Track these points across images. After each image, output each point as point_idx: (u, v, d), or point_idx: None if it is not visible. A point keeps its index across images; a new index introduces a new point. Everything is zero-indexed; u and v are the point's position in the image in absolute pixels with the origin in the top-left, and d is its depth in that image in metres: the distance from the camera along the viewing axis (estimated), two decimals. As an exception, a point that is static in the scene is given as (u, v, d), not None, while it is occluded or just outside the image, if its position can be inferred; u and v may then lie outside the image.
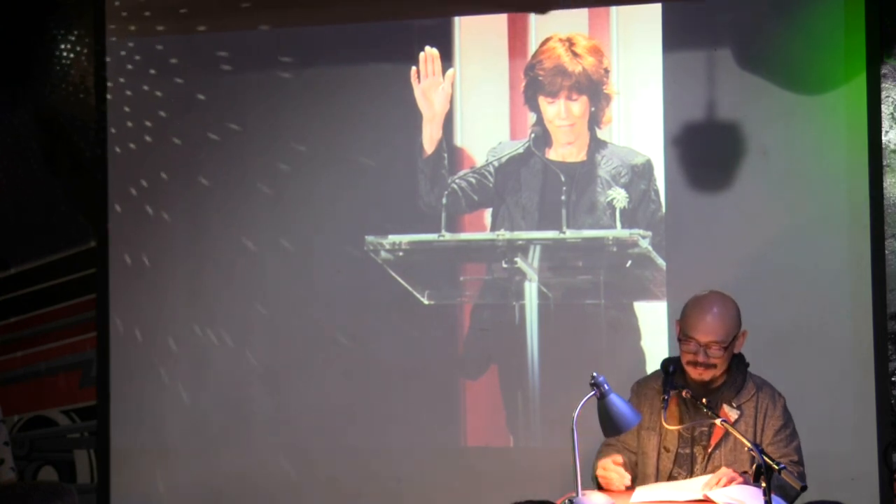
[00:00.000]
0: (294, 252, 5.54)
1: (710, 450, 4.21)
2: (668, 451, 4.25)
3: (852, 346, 5.12)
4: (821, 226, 5.15)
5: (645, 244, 5.30)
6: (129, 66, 5.68)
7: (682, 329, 4.22)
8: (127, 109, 5.68)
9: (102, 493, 5.68)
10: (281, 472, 5.52)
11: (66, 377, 5.74)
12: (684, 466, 4.23)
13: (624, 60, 5.33)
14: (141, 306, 5.66)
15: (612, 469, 4.16)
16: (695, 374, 4.19)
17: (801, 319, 5.14)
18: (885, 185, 5.14)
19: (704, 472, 4.18)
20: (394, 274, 5.47)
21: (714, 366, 4.17)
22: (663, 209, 5.28)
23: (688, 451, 4.24)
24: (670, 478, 4.24)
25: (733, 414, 4.21)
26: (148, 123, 5.66)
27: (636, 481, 4.31)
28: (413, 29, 5.48)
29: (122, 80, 5.69)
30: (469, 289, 5.42)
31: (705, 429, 4.23)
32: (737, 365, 4.29)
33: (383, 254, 5.50)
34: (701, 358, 4.15)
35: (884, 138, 5.15)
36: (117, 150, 5.69)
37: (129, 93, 5.68)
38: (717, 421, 4.09)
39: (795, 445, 4.24)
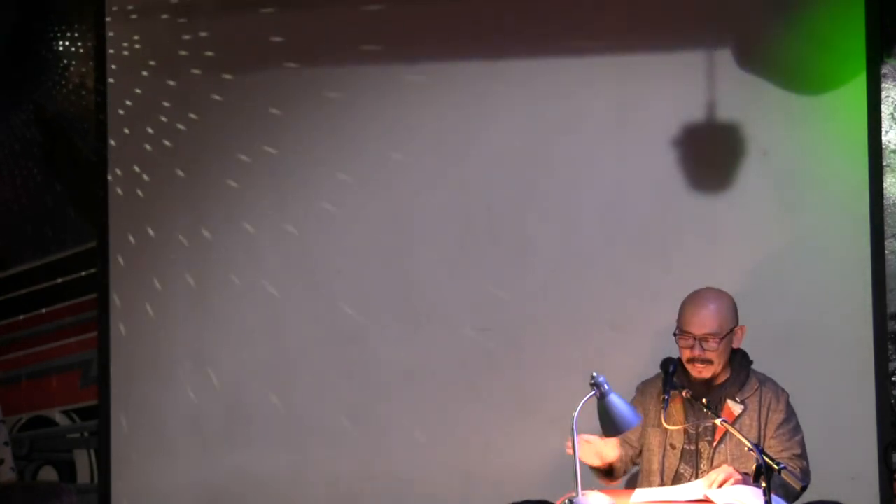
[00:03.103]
0: (295, 252, 5.54)
1: (715, 444, 4.23)
2: (673, 447, 4.28)
3: (852, 346, 5.12)
4: (821, 226, 5.16)
5: (645, 244, 5.30)
6: (130, 66, 5.68)
7: (678, 325, 4.26)
8: (127, 109, 5.68)
9: (102, 493, 5.68)
10: (281, 472, 5.52)
11: (66, 377, 5.74)
12: (690, 463, 4.26)
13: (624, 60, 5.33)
14: (141, 306, 5.66)
15: (592, 442, 4.15)
16: (694, 371, 4.22)
17: (801, 319, 5.15)
18: (885, 185, 5.15)
19: (711, 467, 4.21)
20: (394, 273, 5.47)
21: (710, 361, 4.20)
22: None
23: (693, 447, 4.27)
24: (676, 475, 4.26)
25: (737, 409, 4.24)
26: (148, 123, 5.66)
27: (640, 478, 4.33)
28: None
29: (122, 79, 5.69)
30: (469, 287, 5.42)
31: (709, 424, 4.25)
32: (739, 361, 4.33)
33: (384, 253, 5.50)
34: (697, 352, 4.19)
35: (884, 138, 5.16)
36: (117, 149, 5.69)
37: (129, 92, 5.68)
38: (718, 421, 4.11)
39: (799, 440, 4.27)
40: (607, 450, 4.22)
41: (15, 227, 5.80)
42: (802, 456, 4.27)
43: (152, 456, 5.62)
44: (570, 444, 3.98)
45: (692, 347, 4.21)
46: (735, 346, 4.32)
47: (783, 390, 4.34)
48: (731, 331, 4.27)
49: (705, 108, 5.24)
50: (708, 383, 4.27)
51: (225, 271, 5.60)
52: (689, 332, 4.22)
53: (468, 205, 5.41)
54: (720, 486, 4.01)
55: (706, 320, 4.21)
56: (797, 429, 4.30)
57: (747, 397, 4.27)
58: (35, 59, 5.78)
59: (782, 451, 4.20)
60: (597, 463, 4.22)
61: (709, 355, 4.21)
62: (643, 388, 4.43)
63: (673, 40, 5.26)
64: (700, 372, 4.23)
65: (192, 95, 5.63)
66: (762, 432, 4.24)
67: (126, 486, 5.66)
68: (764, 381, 4.33)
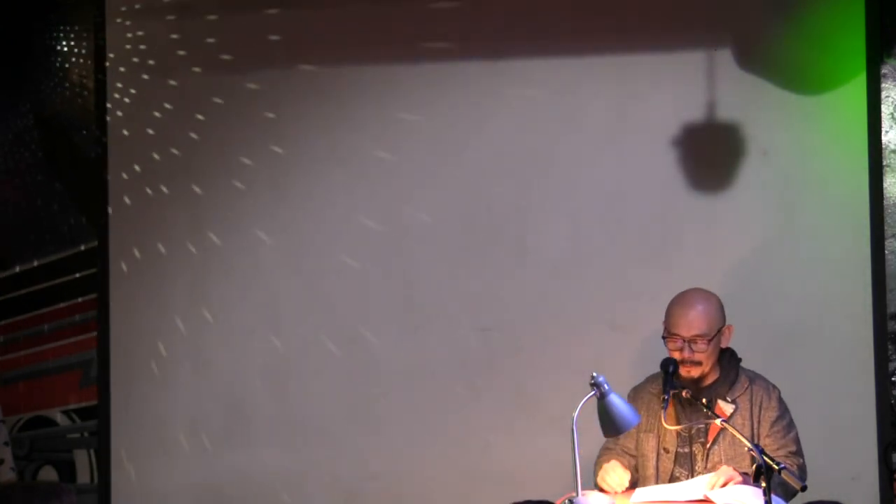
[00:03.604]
0: (295, 251, 5.54)
1: (708, 446, 4.23)
2: (667, 451, 4.28)
3: (852, 346, 5.12)
4: (821, 226, 5.16)
5: (645, 244, 5.30)
6: (130, 66, 5.68)
7: (666, 328, 4.27)
8: (127, 109, 5.68)
9: (102, 493, 5.68)
10: (281, 472, 5.52)
11: (66, 377, 5.74)
12: (685, 465, 4.26)
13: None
14: (141, 306, 5.65)
15: (612, 472, 4.18)
16: (682, 372, 4.23)
17: (801, 320, 5.15)
18: (885, 185, 5.15)
19: (706, 469, 4.21)
20: (394, 273, 5.47)
21: (699, 362, 4.21)
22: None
23: (687, 450, 4.27)
24: (672, 478, 4.26)
25: (728, 408, 4.24)
26: (148, 123, 5.66)
27: (637, 483, 4.33)
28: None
29: (122, 79, 5.69)
30: (469, 287, 5.42)
31: (702, 426, 4.25)
32: (728, 360, 4.33)
33: (384, 253, 5.50)
34: (686, 353, 4.20)
35: (884, 138, 5.16)
36: (118, 149, 5.69)
37: (129, 92, 5.68)
38: (717, 421, 4.11)
39: (793, 436, 4.28)
40: (626, 475, 4.22)
41: (15, 227, 5.80)
42: (798, 453, 4.27)
43: (152, 456, 5.62)
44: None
45: (681, 350, 4.21)
46: (723, 345, 4.32)
47: (774, 386, 4.34)
48: (719, 331, 4.27)
49: (705, 108, 5.23)
50: (697, 384, 4.28)
51: (224, 271, 5.60)
52: (678, 335, 4.22)
53: (468, 205, 5.41)
54: (722, 487, 4.01)
55: (694, 322, 4.22)
56: (791, 425, 4.30)
57: (738, 396, 4.27)
58: (35, 59, 5.78)
59: (778, 448, 4.21)
60: (626, 486, 4.21)
61: (698, 356, 4.21)
62: (634, 394, 4.43)
63: (673, 40, 5.26)
64: (689, 372, 4.24)
65: (191, 95, 5.63)
66: (755, 431, 4.24)
67: (126, 486, 5.65)
68: (754, 378, 4.33)
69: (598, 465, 4.34)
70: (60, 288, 5.75)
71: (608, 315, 5.29)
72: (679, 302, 4.29)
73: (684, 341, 4.20)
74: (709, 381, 4.29)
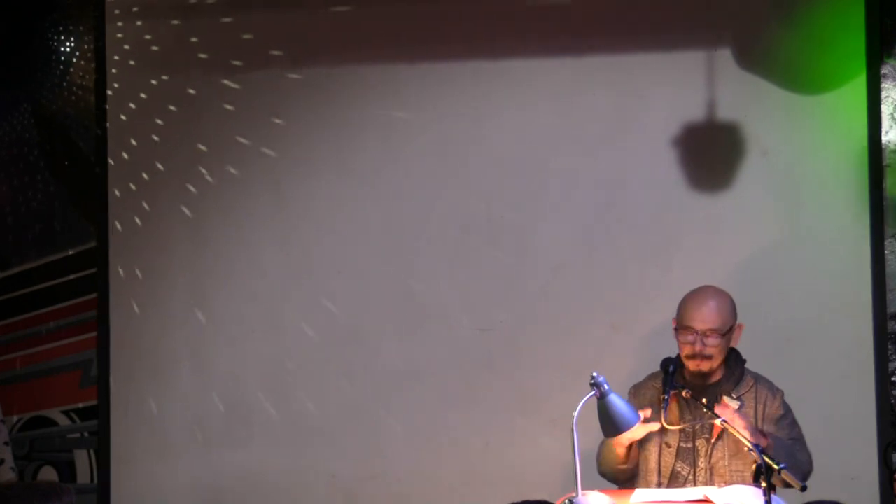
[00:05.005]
0: (295, 252, 5.55)
1: (713, 441, 4.24)
2: (669, 446, 4.28)
3: (852, 346, 5.13)
4: (821, 226, 5.16)
5: (645, 244, 5.30)
6: (130, 66, 5.68)
7: (679, 321, 4.28)
8: (127, 109, 5.68)
9: (102, 493, 5.68)
10: (281, 472, 5.53)
11: (66, 377, 5.74)
12: (687, 460, 4.27)
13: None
14: (141, 306, 5.66)
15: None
16: (692, 366, 4.24)
17: (801, 319, 5.16)
18: (885, 185, 5.15)
19: (709, 464, 4.22)
20: (394, 273, 5.47)
21: (711, 356, 4.22)
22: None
23: (690, 445, 4.28)
24: (673, 473, 4.27)
25: (734, 404, 4.25)
26: (148, 122, 5.66)
27: (637, 478, 4.34)
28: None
29: (122, 79, 5.69)
30: (469, 287, 5.42)
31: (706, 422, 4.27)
32: (734, 359, 4.35)
33: (384, 253, 5.50)
34: (699, 347, 4.21)
35: (884, 138, 5.16)
36: (117, 149, 5.69)
37: (129, 92, 5.68)
38: (718, 421, 4.12)
39: (798, 432, 4.30)
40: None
41: (15, 227, 5.80)
42: (805, 447, 4.30)
43: (152, 456, 5.62)
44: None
45: (693, 343, 4.23)
46: (733, 344, 4.34)
47: (778, 388, 4.36)
48: (731, 328, 4.29)
49: (705, 108, 5.24)
50: (703, 378, 4.29)
51: (224, 271, 5.60)
52: (691, 327, 4.23)
53: (468, 205, 5.42)
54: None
55: (708, 316, 4.23)
56: (795, 423, 4.33)
57: (743, 393, 4.29)
58: (35, 59, 5.78)
59: (787, 438, 4.24)
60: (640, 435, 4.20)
61: (709, 350, 4.23)
62: (635, 391, 4.43)
63: (673, 40, 5.27)
64: (699, 366, 4.25)
65: (191, 96, 5.63)
66: (760, 427, 4.25)
67: (126, 486, 5.66)
68: (758, 378, 4.36)
69: (598, 455, 4.34)
70: (60, 288, 5.75)
71: (608, 315, 5.29)
72: (694, 296, 4.31)
73: (697, 335, 4.22)
74: (714, 378, 4.31)
